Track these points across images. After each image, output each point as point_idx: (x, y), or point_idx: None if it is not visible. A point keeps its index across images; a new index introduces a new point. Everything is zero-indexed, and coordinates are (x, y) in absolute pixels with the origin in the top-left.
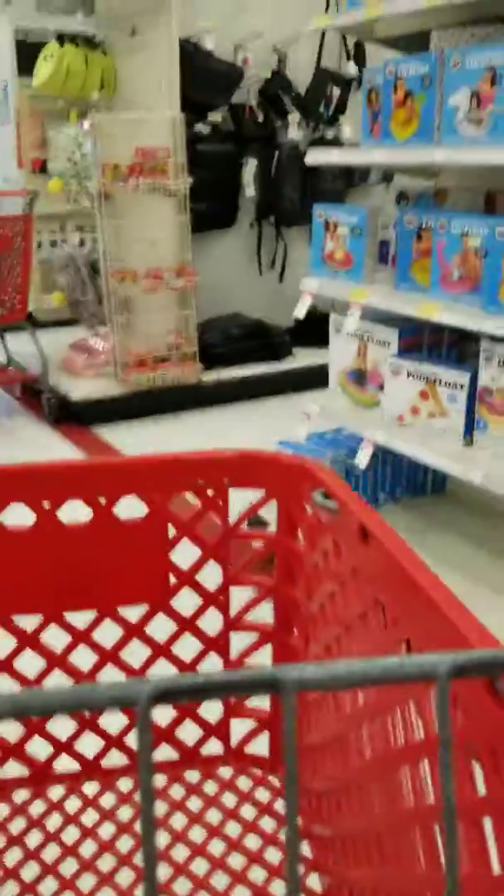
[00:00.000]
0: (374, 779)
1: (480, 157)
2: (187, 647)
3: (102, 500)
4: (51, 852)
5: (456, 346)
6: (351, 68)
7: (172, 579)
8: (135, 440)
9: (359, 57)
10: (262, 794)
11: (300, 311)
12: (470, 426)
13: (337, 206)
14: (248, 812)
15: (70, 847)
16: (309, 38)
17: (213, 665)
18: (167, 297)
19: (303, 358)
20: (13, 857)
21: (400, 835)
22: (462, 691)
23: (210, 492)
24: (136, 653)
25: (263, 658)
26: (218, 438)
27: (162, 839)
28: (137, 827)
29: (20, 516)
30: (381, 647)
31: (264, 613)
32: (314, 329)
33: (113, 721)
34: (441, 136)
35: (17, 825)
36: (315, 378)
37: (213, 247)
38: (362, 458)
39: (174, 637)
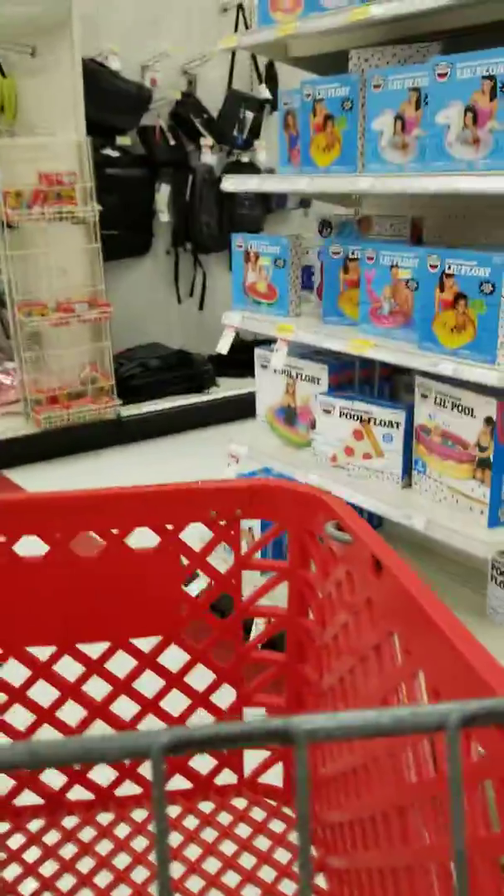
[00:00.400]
0: (388, 813)
1: (406, 185)
2: (201, 679)
3: (114, 531)
4: (66, 882)
5: (389, 380)
6: (264, 91)
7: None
8: (48, 483)
9: (271, 79)
10: (277, 826)
11: (223, 346)
12: (408, 467)
13: (257, 236)
14: (262, 843)
15: (85, 876)
16: (219, 59)
17: (227, 696)
18: (80, 329)
19: (228, 387)
20: (29, 887)
21: (415, 870)
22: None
23: (222, 522)
24: (148, 685)
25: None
26: (140, 477)
27: (176, 870)
28: (152, 857)
29: (33, 547)
30: (395, 680)
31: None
32: (239, 357)
33: None
34: (365, 162)
35: (31, 854)
36: (242, 408)
37: (128, 275)
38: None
39: (187, 668)
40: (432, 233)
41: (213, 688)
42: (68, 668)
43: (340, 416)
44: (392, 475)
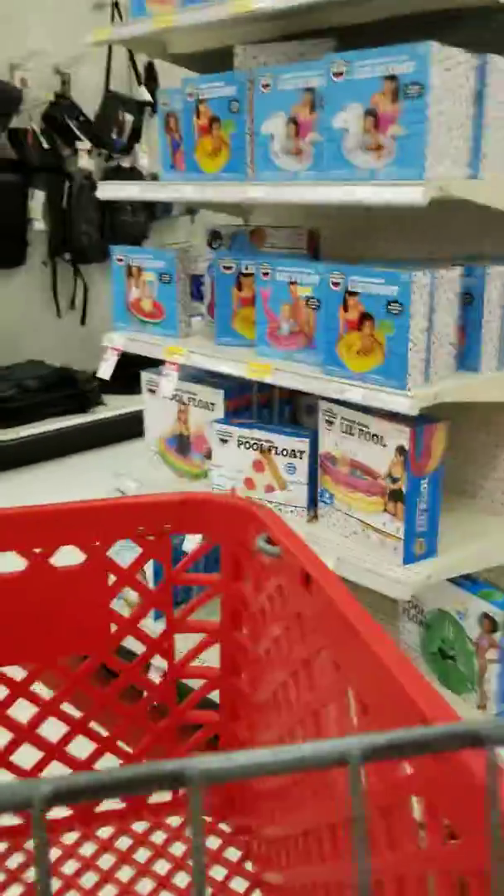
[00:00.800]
0: (320, 829)
1: (302, 194)
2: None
3: (38, 550)
4: (108, 892)
5: (289, 403)
6: (143, 92)
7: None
8: None
9: (151, 80)
10: (213, 842)
11: (105, 371)
12: (313, 499)
13: (139, 249)
14: None
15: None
16: (95, 58)
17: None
18: None
19: (116, 405)
20: None
21: (349, 887)
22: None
23: (151, 537)
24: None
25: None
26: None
27: (109, 892)
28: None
29: None
30: (325, 695)
31: (211, 658)
32: (125, 372)
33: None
34: (256, 168)
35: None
36: (131, 427)
37: (1, 288)
38: (189, 544)
39: (118, 685)
40: (330, 245)
41: (145, 704)
42: None
43: (239, 445)
44: (297, 508)
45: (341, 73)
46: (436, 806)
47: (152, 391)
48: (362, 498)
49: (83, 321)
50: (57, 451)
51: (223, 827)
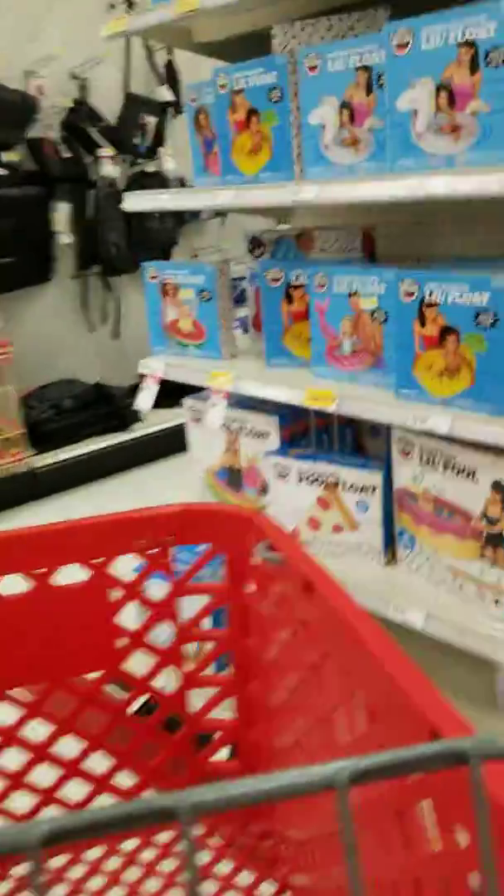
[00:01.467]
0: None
1: (361, 192)
2: None
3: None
4: None
5: (352, 425)
6: (165, 92)
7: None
8: None
9: (172, 79)
10: (202, 858)
11: (144, 402)
12: (389, 540)
13: (174, 264)
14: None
15: None
16: (113, 60)
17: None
18: None
19: (155, 420)
20: None
21: (380, 886)
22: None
23: (154, 550)
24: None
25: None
26: None
27: None
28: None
29: None
30: (334, 700)
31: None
32: (166, 384)
33: None
34: (304, 165)
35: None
36: (173, 444)
37: (30, 306)
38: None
39: (131, 699)
40: (387, 245)
41: (160, 716)
42: (7, 716)
43: (300, 480)
44: (371, 550)
45: (406, 45)
46: (446, 810)
47: (197, 420)
48: (452, 541)
49: (116, 335)
50: (98, 473)
51: (209, 842)
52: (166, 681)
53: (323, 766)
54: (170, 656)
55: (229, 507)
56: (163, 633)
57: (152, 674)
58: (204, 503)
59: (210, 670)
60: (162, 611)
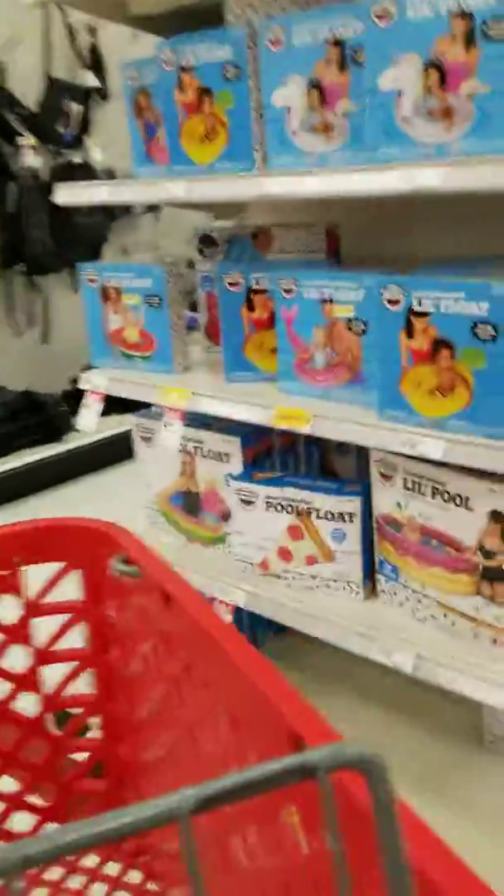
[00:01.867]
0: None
1: (340, 185)
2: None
3: None
4: None
5: (318, 443)
6: (89, 77)
7: None
8: None
9: (96, 63)
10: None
11: (87, 422)
12: (369, 571)
13: (117, 265)
14: None
15: None
16: (31, 43)
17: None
18: None
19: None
20: None
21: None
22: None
23: (3, 573)
24: None
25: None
26: None
27: None
28: None
29: None
30: (200, 710)
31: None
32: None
33: None
34: (268, 153)
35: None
36: (113, 453)
37: None
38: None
39: None
40: (352, 245)
41: (21, 743)
42: None
43: (268, 508)
44: (349, 584)
45: (386, 15)
46: (311, 815)
47: (146, 439)
48: (442, 574)
49: (45, 338)
50: (31, 487)
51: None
52: (25, 705)
53: (163, 798)
54: (24, 682)
55: (83, 520)
56: (18, 658)
57: (8, 700)
58: (56, 518)
59: (72, 689)
60: (15, 634)
